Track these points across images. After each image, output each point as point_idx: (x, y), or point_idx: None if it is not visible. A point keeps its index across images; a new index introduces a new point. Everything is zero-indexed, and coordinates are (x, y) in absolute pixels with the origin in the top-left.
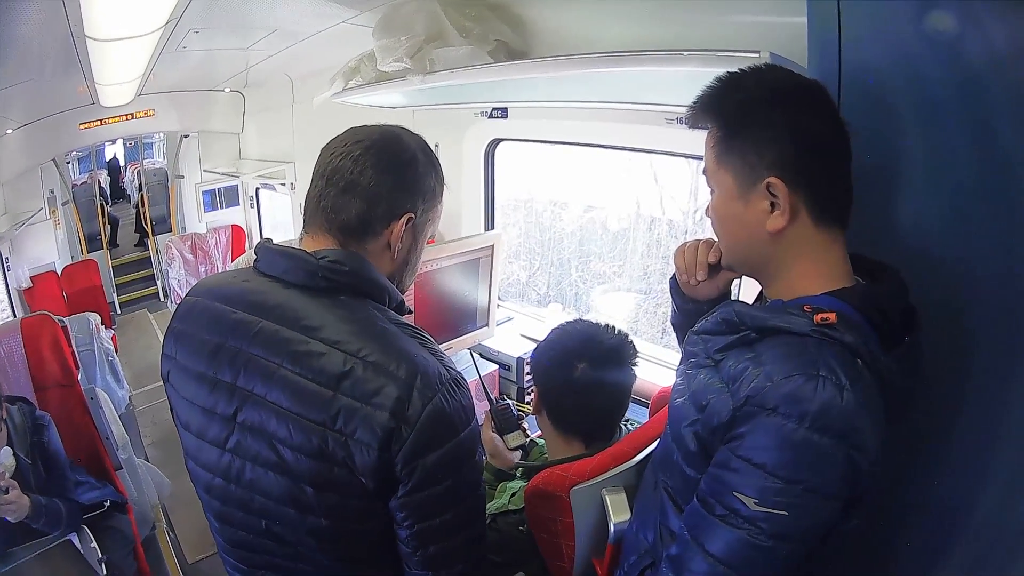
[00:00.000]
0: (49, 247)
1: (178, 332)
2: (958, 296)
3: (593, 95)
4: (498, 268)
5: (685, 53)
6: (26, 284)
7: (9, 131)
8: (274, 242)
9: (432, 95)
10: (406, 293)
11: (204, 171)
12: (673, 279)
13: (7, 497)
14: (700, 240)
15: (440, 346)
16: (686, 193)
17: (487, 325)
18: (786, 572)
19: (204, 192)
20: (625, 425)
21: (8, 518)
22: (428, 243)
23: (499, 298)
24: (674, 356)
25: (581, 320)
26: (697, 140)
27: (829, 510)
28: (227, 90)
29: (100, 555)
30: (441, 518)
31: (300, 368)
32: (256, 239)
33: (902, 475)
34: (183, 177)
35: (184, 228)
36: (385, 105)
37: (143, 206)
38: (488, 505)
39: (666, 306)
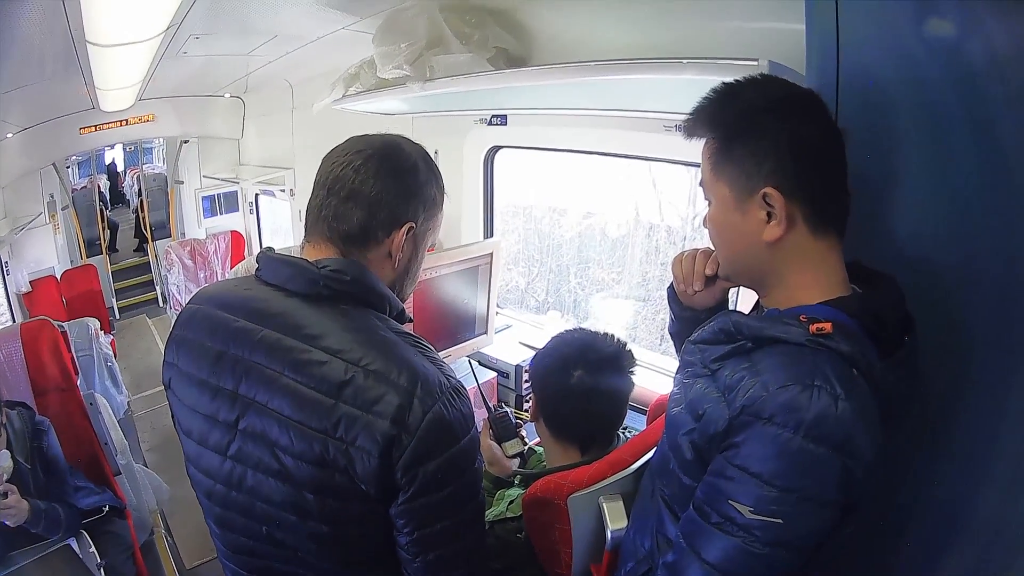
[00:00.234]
0: (49, 251)
1: (180, 339)
2: (959, 298)
3: (592, 102)
4: (497, 276)
5: (684, 61)
6: (26, 288)
7: (9, 135)
8: (276, 251)
9: (432, 102)
10: (406, 302)
11: (204, 176)
12: (671, 288)
13: (6, 501)
14: (698, 249)
15: (439, 354)
16: (684, 199)
17: (486, 333)
18: None
19: (204, 197)
20: (623, 433)
21: (7, 522)
22: (428, 251)
23: (498, 305)
24: (672, 363)
25: (580, 329)
26: (695, 147)
27: (824, 518)
28: (227, 95)
29: (99, 560)
30: (441, 525)
31: (302, 376)
32: (255, 245)
33: (903, 476)
34: (183, 182)
35: (183, 233)
36: (384, 111)
37: (142, 211)
38: (486, 512)
39: (664, 313)
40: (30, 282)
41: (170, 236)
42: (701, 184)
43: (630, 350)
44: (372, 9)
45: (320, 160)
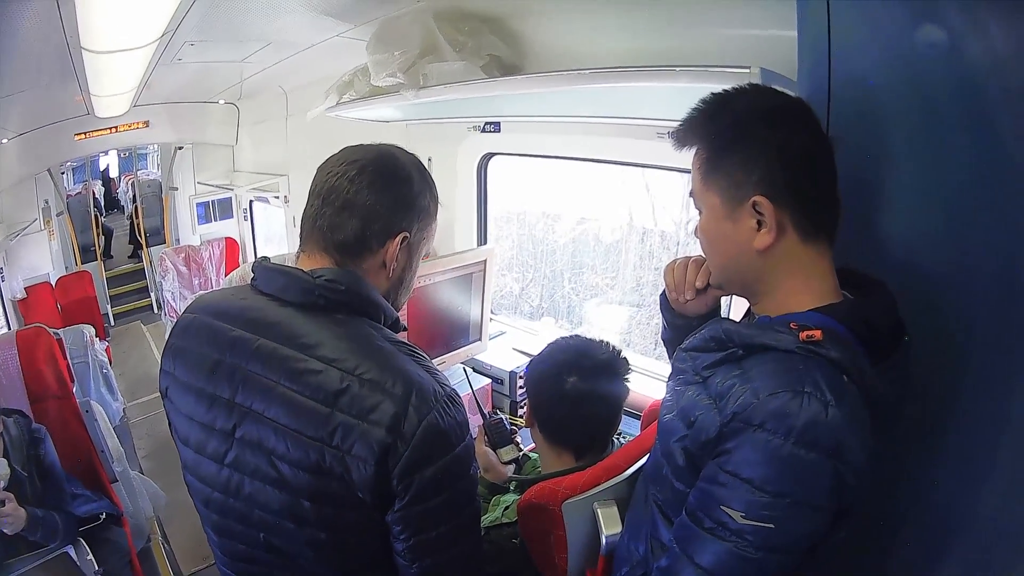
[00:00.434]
0: (43, 258)
1: (176, 348)
2: (955, 301)
3: (585, 109)
4: (491, 283)
5: (677, 68)
6: (20, 295)
7: (4, 141)
8: (271, 260)
9: (425, 109)
10: (400, 310)
11: (198, 183)
12: (663, 295)
13: (4, 509)
14: (690, 257)
15: (433, 361)
16: (678, 204)
17: (480, 339)
18: None
19: (198, 204)
20: (618, 438)
21: (5, 530)
22: (422, 259)
23: (492, 311)
24: (666, 368)
25: (575, 336)
26: (688, 154)
27: (815, 522)
28: (221, 102)
29: (96, 567)
30: (437, 531)
31: (298, 385)
32: (250, 252)
33: (901, 478)
34: (177, 189)
35: (178, 240)
36: (378, 119)
37: (137, 218)
38: (482, 518)
39: (659, 318)
40: (25, 288)
41: (165, 242)
42: (691, 194)
43: (624, 357)
44: (366, 17)
45: (314, 168)
